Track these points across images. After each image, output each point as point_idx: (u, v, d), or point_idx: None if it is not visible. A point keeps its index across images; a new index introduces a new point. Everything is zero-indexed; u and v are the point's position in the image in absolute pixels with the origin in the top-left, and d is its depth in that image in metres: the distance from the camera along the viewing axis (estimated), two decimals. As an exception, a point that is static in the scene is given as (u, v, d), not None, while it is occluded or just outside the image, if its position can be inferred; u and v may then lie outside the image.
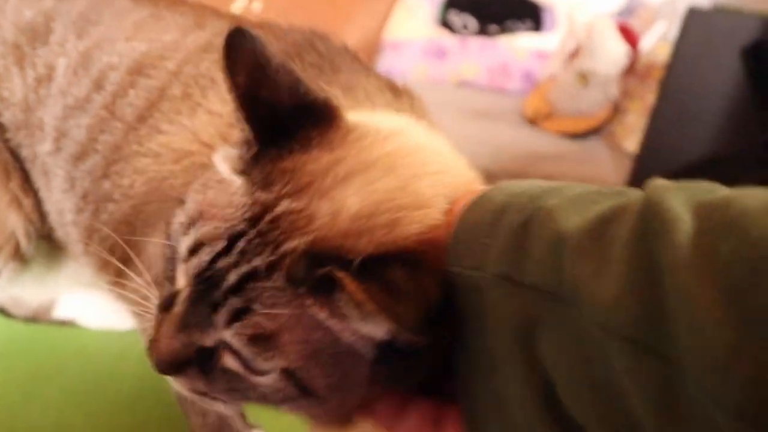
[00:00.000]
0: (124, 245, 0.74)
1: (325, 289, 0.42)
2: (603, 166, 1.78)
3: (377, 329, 0.42)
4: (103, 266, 0.81)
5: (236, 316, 0.44)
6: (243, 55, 0.46)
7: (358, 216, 0.44)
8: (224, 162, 0.49)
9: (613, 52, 1.82)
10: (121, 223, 0.76)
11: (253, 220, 0.44)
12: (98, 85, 0.79)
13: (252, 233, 0.44)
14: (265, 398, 0.48)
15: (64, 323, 1.09)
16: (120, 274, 0.77)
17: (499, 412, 0.40)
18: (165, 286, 0.50)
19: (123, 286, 0.78)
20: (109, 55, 0.79)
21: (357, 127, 0.50)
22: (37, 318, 1.08)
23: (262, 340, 0.44)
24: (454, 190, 0.47)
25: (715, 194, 0.32)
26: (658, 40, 1.84)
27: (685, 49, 1.62)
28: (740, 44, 1.52)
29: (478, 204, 0.43)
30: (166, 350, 0.47)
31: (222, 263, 0.44)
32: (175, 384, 0.50)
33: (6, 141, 0.85)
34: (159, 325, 0.48)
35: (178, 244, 0.48)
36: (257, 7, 1.76)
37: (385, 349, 0.44)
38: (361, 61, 0.77)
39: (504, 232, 0.39)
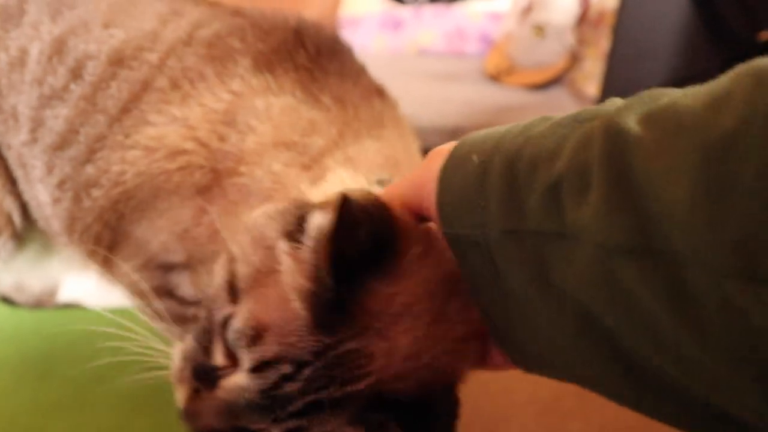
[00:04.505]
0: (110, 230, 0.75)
1: (377, 429, 0.48)
2: (568, 112, 1.84)
3: None
4: (91, 254, 0.80)
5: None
6: (343, 225, 0.45)
7: (407, 357, 0.48)
8: (292, 287, 0.48)
9: (564, 3, 1.88)
10: (106, 209, 0.75)
11: (318, 354, 0.47)
12: (76, 75, 0.76)
13: (318, 365, 0.46)
14: None
15: (68, 306, 1.11)
16: (107, 260, 0.78)
17: (536, 341, 0.43)
18: (197, 350, 0.52)
19: (112, 271, 0.79)
20: (86, 42, 0.77)
21: (406, 245, 0.50)
22: (42, 303, 1.09)
23: None
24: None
25: (660, 102, 0.35)
26: (607, -14, 1.90)
27: (632, -9, 1.67)
28: (684, -20, 1.59)
29: (455, 167, 0.45)
30: (206, 425, 0.50)
31: (289, 387, 0.47)
32: None
33: None
34: (197, 396, 0.51)
35: (217, 314, 0.51)
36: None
37: None
38: (349, 57, 0.77)
39: (494, 191, 0.41)
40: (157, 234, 0.71)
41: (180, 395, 0.53)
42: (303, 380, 0.46)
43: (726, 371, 0.30)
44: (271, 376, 0.47)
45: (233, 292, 0.51)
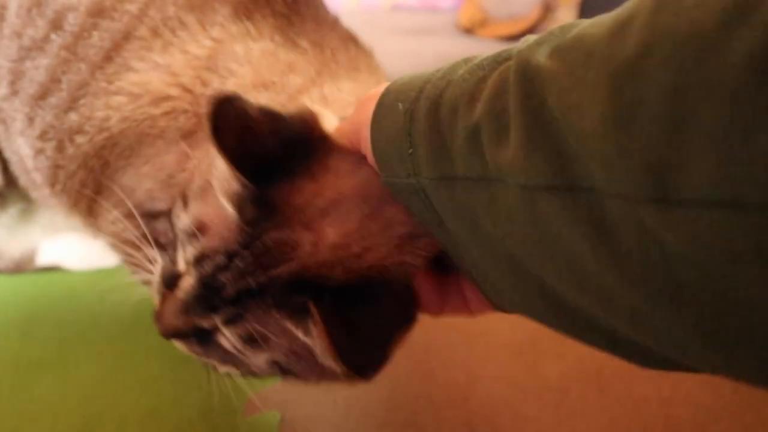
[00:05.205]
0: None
1: (301, 312, 0.50)
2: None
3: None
4: (74, 205, 0.82)
5: (231, 321, 0.53)
6: (229, 121, 0.49)
7: (334, 246, 0.50)
8: (221, 189, 0.53)
9: (536, -48, 1.86)
10: (90, 156, 0.76)
11: (246, 245, 0.51)
12: (56, 26, 0.77)
13: (246, 254, 0.51)
14: (253, 373, 0.57)
15: (48, 269, 1.11)
16: (91, 210, 0.80)
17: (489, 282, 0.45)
18: (168, 263, 0.58)
19: (96, 222, 0.81)
20: None
21: (333, 148, 0.53)
22: (21, 268, 1.10)
23: (252, 340, 0.53)
24: None
25: (569, 33, 0.35)
26: (578, -66, 1.89)
27: (604, -62, 1.66)
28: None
29: (383, 116, 0.46)
30: (169, 324, 0.56)
31: (222, 276, 0.52)
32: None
33: None
34: (163, 300, 0.57)
35: (179, 231, 0.56)
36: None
37: None
38: (324, 7, 0.79)
39: (421, 139, 0.42)
40: (143, 181, 0.73)
41: (155, 303, 0.59)
42: (234, 269, 0.51)
43: (644, 304, 0.31)
44: (208, 267, 0.52)
45: (186, 201, 0.57)
